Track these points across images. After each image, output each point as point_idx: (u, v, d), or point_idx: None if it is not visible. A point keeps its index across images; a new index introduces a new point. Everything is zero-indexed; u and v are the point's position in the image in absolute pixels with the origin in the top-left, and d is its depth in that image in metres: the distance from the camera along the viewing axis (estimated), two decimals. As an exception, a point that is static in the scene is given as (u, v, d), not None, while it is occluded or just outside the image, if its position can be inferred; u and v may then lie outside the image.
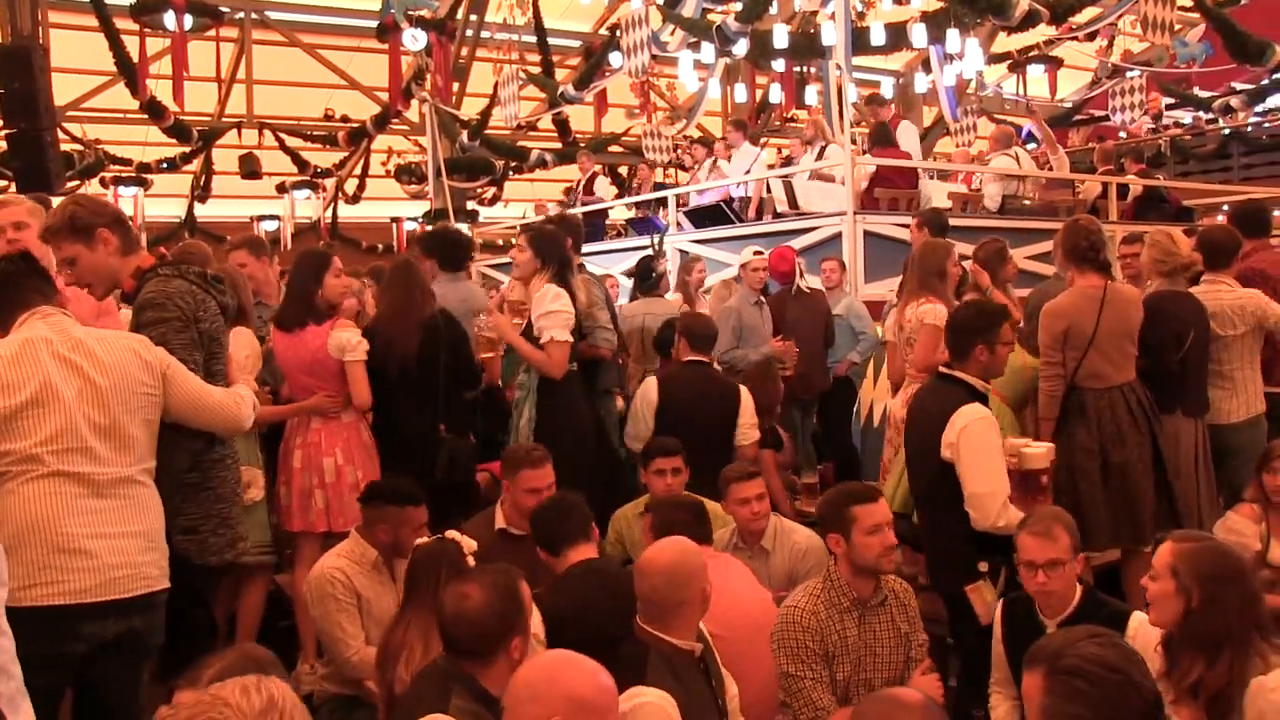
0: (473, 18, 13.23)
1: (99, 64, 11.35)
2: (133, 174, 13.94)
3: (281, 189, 15.46)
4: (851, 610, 2.90)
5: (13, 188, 8.66)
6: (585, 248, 5.57)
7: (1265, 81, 11.40)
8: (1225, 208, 8.97)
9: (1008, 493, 3.17)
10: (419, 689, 2.30)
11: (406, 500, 3.31)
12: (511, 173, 14.25)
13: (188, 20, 9.85)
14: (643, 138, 12.28)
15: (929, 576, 3.62)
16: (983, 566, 3.19)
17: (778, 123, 14.43)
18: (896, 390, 4.62)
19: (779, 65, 11.55)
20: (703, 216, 8.38)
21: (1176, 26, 8.80)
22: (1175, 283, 4.23)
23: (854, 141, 7.58)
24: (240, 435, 3.48)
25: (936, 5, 8.69)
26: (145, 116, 11.80)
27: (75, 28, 11.68)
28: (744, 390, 4.55)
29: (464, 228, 12.44)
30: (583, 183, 10.97)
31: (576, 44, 14.41)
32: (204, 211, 15.83)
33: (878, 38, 8.65)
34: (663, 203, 9.41)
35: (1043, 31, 10.17)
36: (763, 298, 5.90)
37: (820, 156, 8.17)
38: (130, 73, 10.70)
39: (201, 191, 15.08)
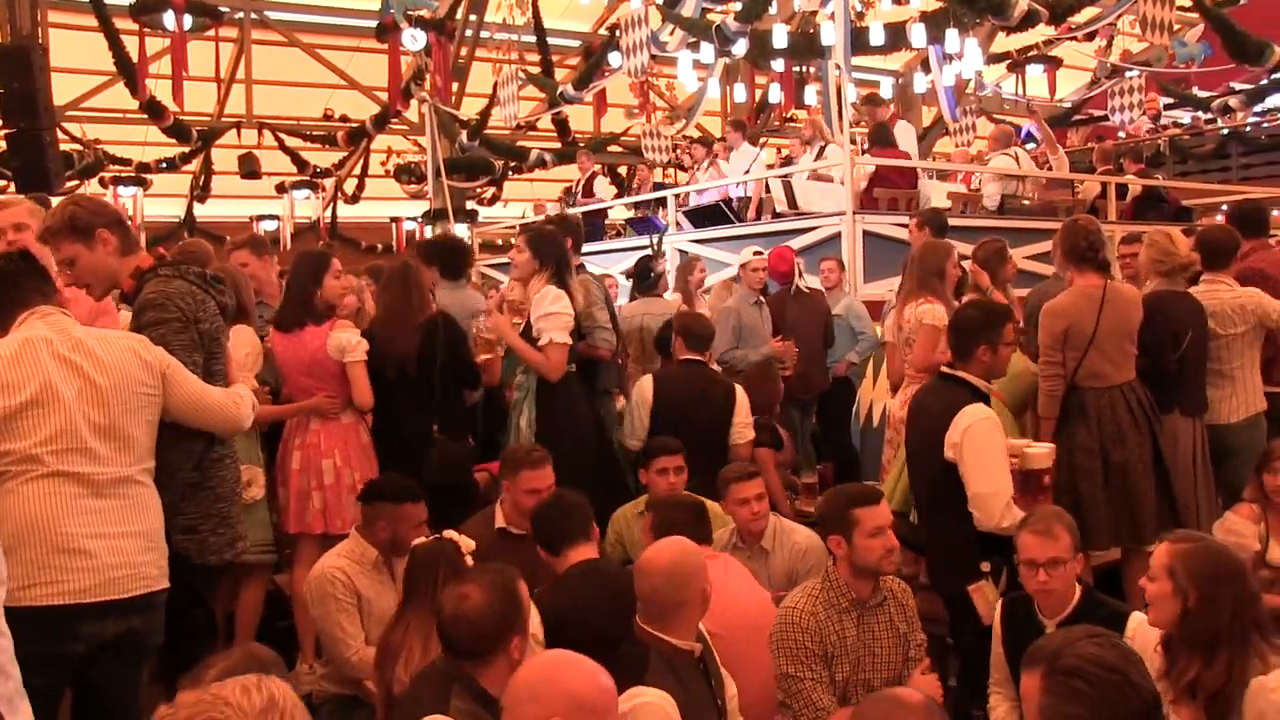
0: (472, 18, 13.23)
1: (98, 64, 11.34)
2: (132, 174, 13.94)
3: (281, 189, 15.46)
4: (850, 611, 2.90)
5: (12, 187, 8.67)
6: (585, 248, 5.57)
7: (1264, 81, 11.40)
8: (1224, 208, 8.98)
9: (1011, 493, 3.17)
10: (418, 690, 2.30)
11: (405, 497, 3.31)
12: (511, 173, 14.25)
13: (187, 20, 9.84)
14: (642, 138, 12.28)
15: (930, 577, 3.62)
16: (985, 567, 3.19)
17: (777, 123, 14.43)
18: (895, 390, 4.62)
19: (778, 65, 11.55)
20: (702, 216, 8.38)
21: (1175, 26, 8.80)
22: (1174, 283, 4.23)
23: (853, 142, 7.59)
24: (241, 434, 3.50)
25: (936, 5, 8.69)
26: (145, 116, 11.79)
27: (75, 27, 11.67)
28: (739, 389, 4.56)
29: (463, 228, 12.48)
30: (582, 182, 10.97)
31: (576, 44, 14.41)
32: (203, 211, 15.83)
33: (877, 38, 8.65)
34: (662, 203, 9.41)
35: (1042, 31, 10.17)
36: (762, 298, 5.90)
37: (819, 156, 8.18)
38: (130, 72, 10.69)
39: (201, 191, 15.08)
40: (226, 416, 2.75)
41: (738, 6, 8.83)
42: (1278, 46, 9.22)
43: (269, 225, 15.95)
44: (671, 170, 13.33)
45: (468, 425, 4.40)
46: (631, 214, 10.38)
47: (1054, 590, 2.74)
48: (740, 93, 13.26)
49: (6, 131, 7.57)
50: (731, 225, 7.98)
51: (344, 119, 14.24)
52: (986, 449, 3.16)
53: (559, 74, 13.18)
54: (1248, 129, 12.98)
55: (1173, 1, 7.85)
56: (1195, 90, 13.43)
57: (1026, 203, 8.36)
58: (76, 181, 12.43)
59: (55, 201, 3.25)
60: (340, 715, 3.34)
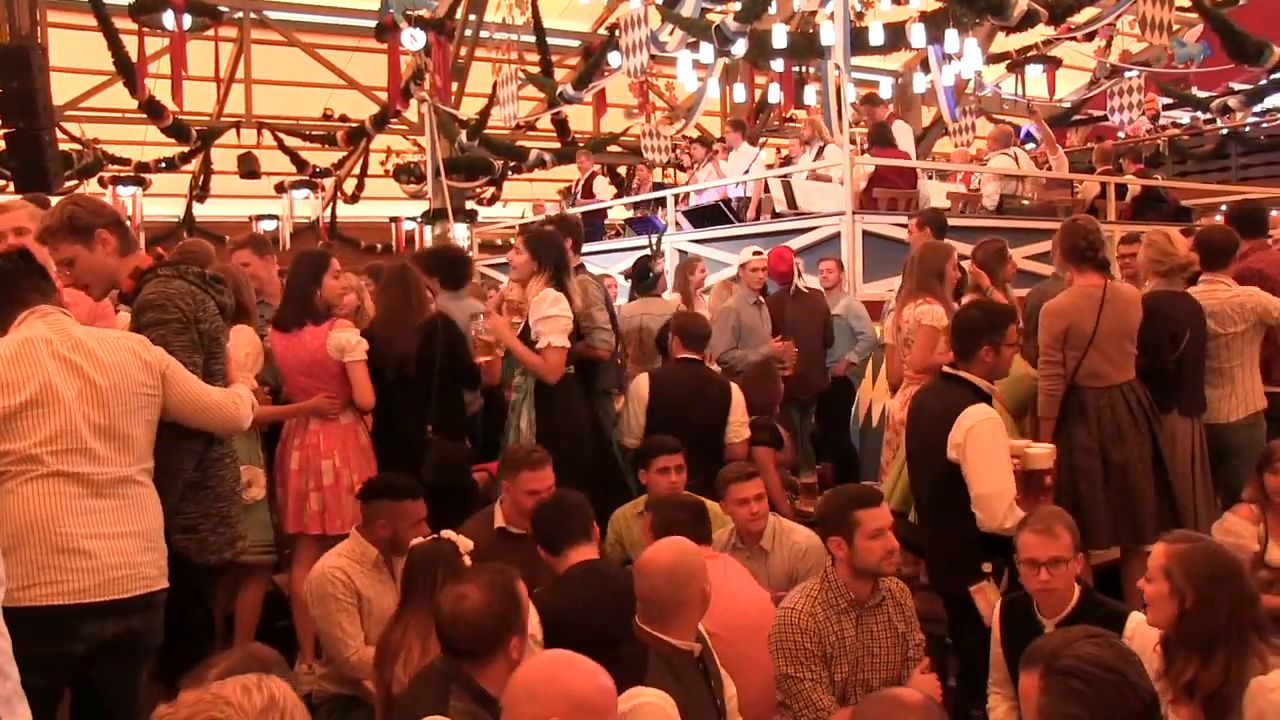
0: (471, 17, 13.23)
1: (97, 63, 11.34)
2: (131, 174, 13.94)
3: (280, 189, 15.46)
4: (849, 611, 2.90)
5: (11, 187, 8.66)
6: (584, 248, 5.56)
7: (1263, 82, 11.40)
8: (1223, 208, 8.98)
9: (1014, 494, 3.17)
10: (417, 690, 2.30)
11: (404, 494, 3.32)
12: (510, 172, 14.25)
13: (186, 20, 9.84)
14: (641, 138, 12.28)
15: (930, 577, 3.61)
16: (986, 567, 3.18)
17: (776, 123, 14.43)
18: (895, 391, 4.63)
19: (778, 65, 11.55)
20: (701, 216, 8.38)
21: (1174, 27, 8.81)
22: (1172, 283, 4.24)
23: (853, 142, 7.59)
24: (241, 434, 3.49)
25: (935, 5, 8.70)
26: (144, 116, 11.79)
27: (74, 27, 11.67)
28: (735, 388, 4.57)
29: (463, 228, 12.48)
30: (581, 182, 10.97)
31: (575, 44, 14.41)
32: (202, 211, 15.83)
33: (876, 38, 8.66)
34: (661, 203, 9.41)
35: (1041, 31, 10.17)
36: (761, 298, 5.91)
37: (818, 156, 8.18)
38: (129, 72, 10.69)
39: (200, 191, 15.08)
40: (226, 416, 2.75)
41: (737, 6, 8.83)
42: (1277, 47, 9.22)
43: (268, 225, 15.95)
44: (671, 170, 13.33)
45: (464, 426, 4.40)
46: (631, 214, 10.39)
47: (1055, 590, 2.74)
48: (740, 93, 13.26)
49: (5, 131, 7.56)
50: (731, 225, 7.98)
51: (343, 119, 14.24)
52: (990, 449, 3.16)
53: (558, 74, 13.18)
54: (1247, 129, 12.99)
55: (1172, 2, 7.85)
56: (1194, 90, 13.44)
57: (1026, 203, 8.37)
58: (76, 181, 12.43)
59: (54, 201, 3.25)
60: (339, 715, 3.34)
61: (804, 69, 12.18)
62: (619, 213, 11.03)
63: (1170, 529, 2.89)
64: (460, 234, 12.50)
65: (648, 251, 6.36)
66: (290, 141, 14.34)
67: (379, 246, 18.12)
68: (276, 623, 4.00)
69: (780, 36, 9.00)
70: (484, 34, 13.28)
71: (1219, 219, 7.74)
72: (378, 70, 12.43)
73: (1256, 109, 12.60)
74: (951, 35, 8.61)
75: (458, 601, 2.24)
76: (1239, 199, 8.32)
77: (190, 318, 2.75)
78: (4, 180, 9.88)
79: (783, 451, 5.30)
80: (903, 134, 8.30)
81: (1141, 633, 2.54)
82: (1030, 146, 9.47)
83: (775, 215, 7.94)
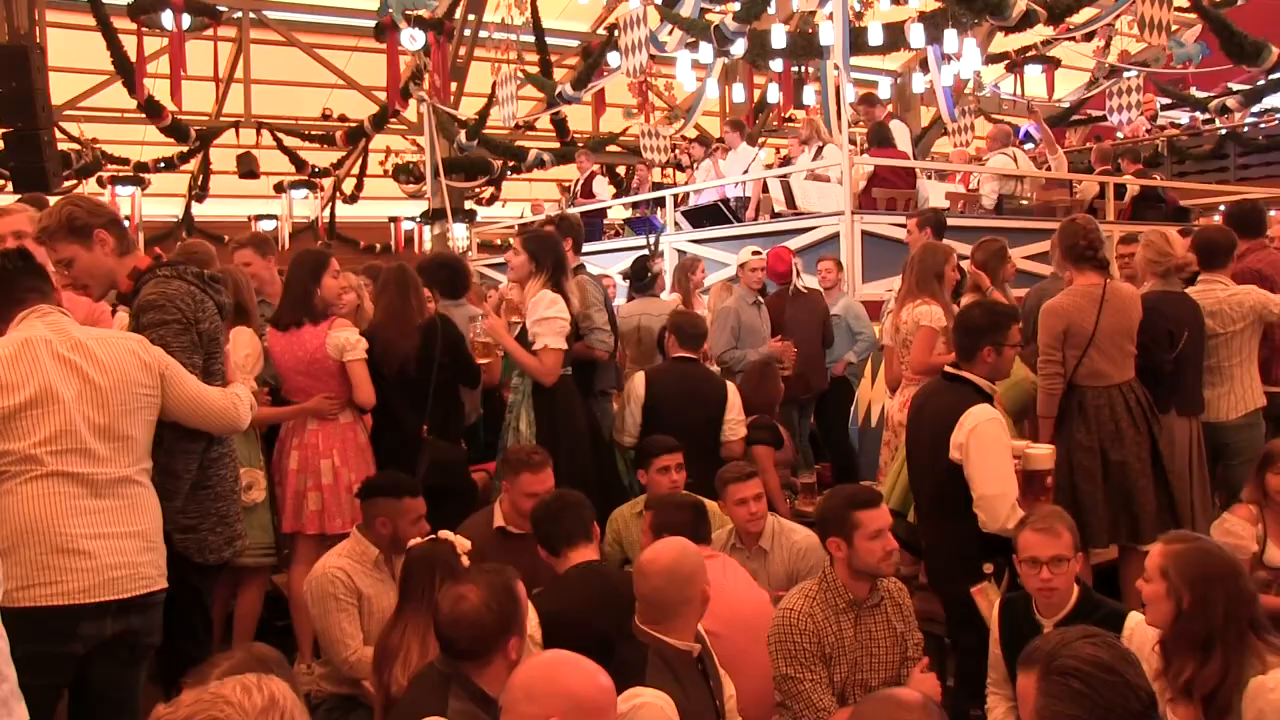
0: (471, 17, 13.22)
1: (96, 63, 11.33)
2: (130, 173, 13.94)
3: (279, 188, 15.45)
4: (847, 611, 2.90)
5: (9, 187, 8.66)
6: (583, 247, 5.56)
7: (1261, 82, 11.41)
8: (1222, 208, 8.99)
9: (1017, 494, 3.17)
10: (416, 691, 2.30)
11: (403, 492, 3.33)
12: (509, 172, 14.25)
13: (185, 19, 9.83)
14: (640, 138, 12.28)
15: (929, 577, 3.62)
16: (988, 568, 3.18)
17: (775, 123, 14.43)
18: (893, 392, 4.63)
19: (777, 65, 11.55)
20: (700, 216, 8.38)
21: (1173, 27, 8.81)
22: (1170, 283, 4.24)
23: (852, 142, 7.59)
24: (242, 437, 3.50)
25: (934, 5, 8.70)
26: (143, 116, 11.79)
27: (72, 27, 11.66)
28: (731, 386, 4.57)
29: (462, 227, 12.47)
30: (580, 182, 10.97)
31: (574, 44, 14.41)
32: (202, 211, 15.83)
33: (875, 38, 8.66)
34: (660, 202, 9.41)
35: (1040, 32, 10.18)
36: (760, 298, 5.91)
37: (817, 156, 8.18)
38: (128, 72, 10.68)
39: (199, 191, 15.08)
40: (225, 417, 2.75)
41: (736, 6, 8.83)
42: (1275, 47, 9.23)
43: (267, 225, 15.95)
44: (670, 170, 13.33)
45: (461, 428, 4.41)
46: (629, 214, 10.38)
47: (1057, 588, 2.74)
48: (739, 93, 13.26)
49: (4, 131, 7.54)
50: (730, 225, 7.98)
51: (342, 118, 14.24)
52: (993, 450, 3.15)
53: (557, 74, 13.18)
54: (1245, 129, 13.00)
55: (1170, 2, 7.86)
56: (1193, 91, 13.46)
57: (1025, 203, 8.37)
58: (74, 181, 12.42)
59: (53, 201, 3.25)
60: (338, 715, 3.34)
61: (803, 69, 12.18)
62: (618, 212, 11.03)
63: (1169, 529, 2.89)
64: (459, 234, 12.51)
65: (646, 252, 6.36)
66: (289, 141, 14.33)
67: (378, 246, 18.12)
68: (275, 622, 4.00)
69: (779, 36, 9.00)
70: (483, 34, 13.27)
71: (1217, 219, 7.75)
72: (377, 70, 12.43)
73: (1255, 109, 12.62)
74: (950, 35, 8.62)
75: (456, 602, 2.24)
76: (1237, 199, 8.32)
77: (190, 318, 2.75)
78: (2, 180, 9.87)
79: (783, 451, 5.31)
80: (899, 133, 8.31)
81: (1140, 632, 2.54)
82: (1029, 146, 9.48)
83: (774, 215, 7.94)
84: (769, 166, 9.79)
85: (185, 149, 13.36)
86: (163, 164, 13.91)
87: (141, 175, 13.95)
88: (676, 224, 8.62)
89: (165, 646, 2.60)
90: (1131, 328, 3.93)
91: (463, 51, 13.56)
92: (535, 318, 4.07)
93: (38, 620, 2.26)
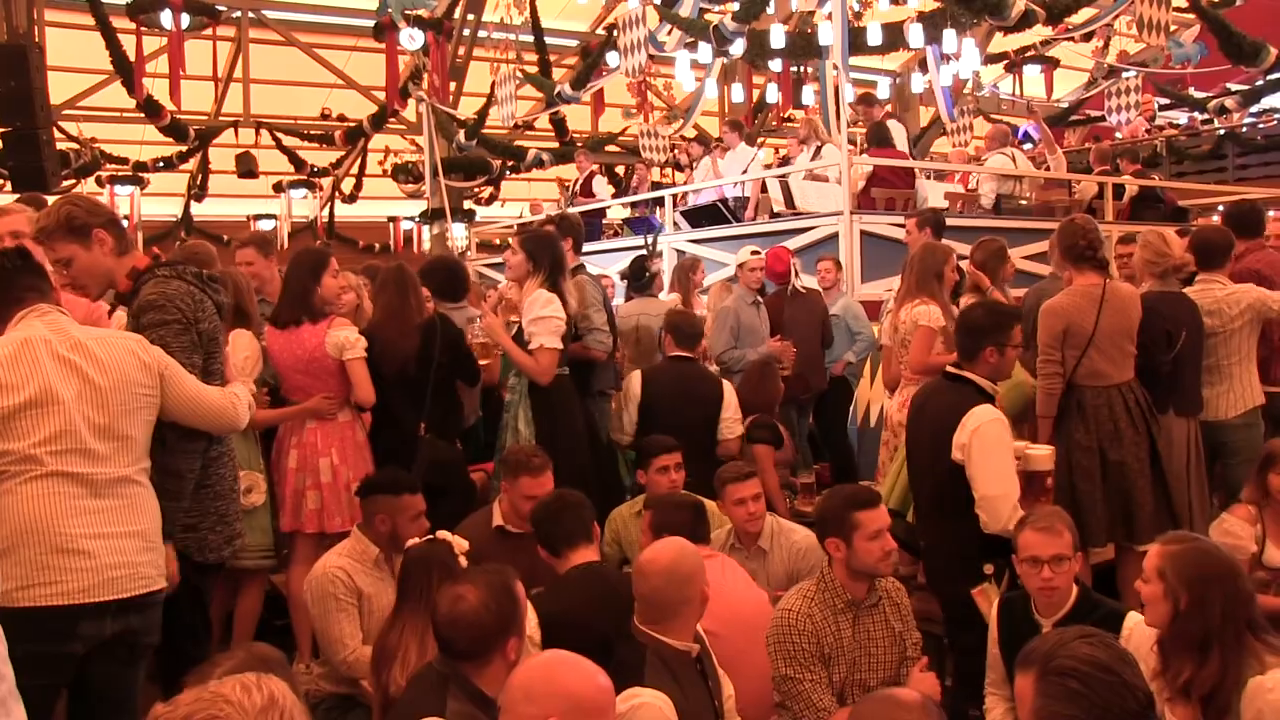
0: (470, 17, 13.22)
1: (95, 62, 11.33)
2: (129, 173, 13.93)
3: (278, 188, 15.45)
4: (845, 611, 2.91)
5: (8, 186, 8.65)
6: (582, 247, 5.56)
7: (1260, 82, 11.42)
8: (1220, 208, 9.00)
9: (1019, 495, 3.17)
10: (414, 692, 2.30)
11: (403, 488, 3.33)
12: (508, 172, 14.25)
13: (184, 19, 9.83)
14: (639, 138, 12.28)
15: (928, 578, 3.61)
16: (989, 569, 3.18)
17: (774, 123, 14.43)
18: (892, 392, 4.63)
19: (776, 65, 11.55)
20: (699, 216, 8.38)
21: (1172, 27, 8.82)
22: (1168, 284, 4.24)
23: (851, 142, 7.59)
24: (241, 440, 3.50)
25: (933, 5, 8.71)
26: (142, 115, 11.78)
27: (71, 26, 11.66)
28: (727, 385, 4.58)
29: (461, 227, 12.47)
30: (580, 181, 10.97)
31: (574, 43, 14.41)
32: (200, 211, 15.83)
33: (874, 38, 8.67)
34: (659, 202, 9.41)
35: (1039, 32, 10.18)
36: (760, 298, 5.91)
37: (816, 156, 8.18)
38: (127, 71, 10.68)
39: (198, 191, 15.07)
40: (224, 416, 2.75)
41: (735, 6, 8.83)
42: (1273, 48, 9.23)
43: (266, 225, 15.95)
44: (669, 170, 13.33)
45: (459, 428, 4.41)
46: (628, 214, 10.38)
47: (1057, 588, 2.74)
48: (738, 93, 13.27)
49: (3, 131, 7.54)
50: (729, 225, 7.98)
51: (341, 118, 14.23)
52: (996, 451, 3.15)
53: (557, 73, 13.17)
54: (1244, 130, 13.01)
55: (1169, 2, 7.86)
56: (1192, 91, 13.46)
57: (1023, 203, 8.38)
58: (73, 181, 12.42)
59: (51, 201, 3.25)
60: (337, 715, 3.34)
61: (802, 69, 12.19)
62: (617, 212, 11.03)
63: (1166, 529, 2.89)
64: (458, 234, 12.51)
65: (644, 251, 6.36)
66: (288, 141, 14.33)
67: (377, 246, 18.12)
68: (275, 622, 4.00)
69: (778, 36, 9.00)
70: (482, 33, 13.27)
71: (1216, 219, 7.75)
72: (376, 70, 12.43)
73: (1253, 109, 12.62)
74: (949, 35, 8.62)
75: (455, 602, 2.24)
76: (1235, 199, 8.32)
77: (190, 318, 2.75)
78: (1, 180, 9.86)
79: (783, 451, 5.31)
80: (895, 133, 8.31)
81: (1139, 632, 2.54)
82: (1028, 147, 9.48)
83: (773, 215, 7.95)
84: (768, 166, 9.78)
85: (184, 148, 13.36)
86: (161, 163, 13.91)
87: (140, 175, 13.95)
88: (675, 224, 8.62)
89: (164, 646, 2.60)
90: (1131, 328, 3.93)
91: (462, 51, 13.55)
92: (530, 317, 4.07)
93: (37, 620, 2.26)
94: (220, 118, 14.03)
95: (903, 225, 6.25)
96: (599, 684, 1.88)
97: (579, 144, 13.22)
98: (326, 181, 15.70)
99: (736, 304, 5.77)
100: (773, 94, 12.66)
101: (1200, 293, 4.23)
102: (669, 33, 9.27)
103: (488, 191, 15.10)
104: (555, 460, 3.59)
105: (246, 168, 13.90)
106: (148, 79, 11.01)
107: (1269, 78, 10.85)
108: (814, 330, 5.95)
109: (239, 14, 13.29)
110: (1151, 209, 8.77)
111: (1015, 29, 8.30)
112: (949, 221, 6.02)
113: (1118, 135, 12.40)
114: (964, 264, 4.80)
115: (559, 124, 13.81)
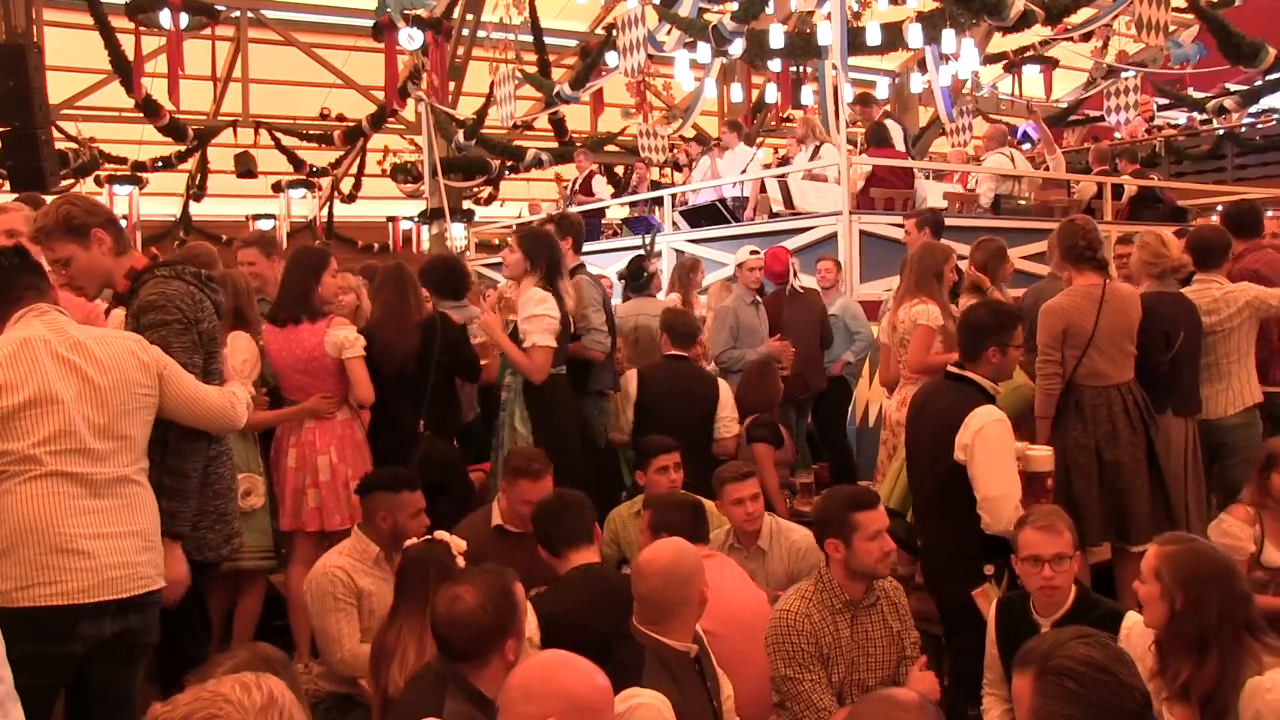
0: (469, 17, 13.21)
1: (94, 62, 11.33)
2: (128, 173, 13.93)
3: (277, 188, 15.45)
4: (844, 611, 2.91)
5: (6, 186, 8.65)
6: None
7: (1259, 82, 11.43)
8: (1219, 208, 9.00)
9: (1020, 496, 3.17)
10: (413, 692, 2.31)
11: (402, 486, 3.34)
12: (507, 172, 14.25)
13: (183, 18, 9.83)
14: (639, 137, 12.29)
15: (927, 578, 3.61)
16: (989, 570, 3.18)
17: (773, 123, 14.43)
18: (891, 391, 4.63)
19: (775, 65, 11.55)
20: (698, 216, 8.38)
21: (1171, 28, 8.82)
22: (1166, 284, 4.25)
23: (851, 142, 7.59)
24: (240, 441, 3.50)
25: (932, 5, 8.71)
26: (140, 115, 11.78)
27: (70, 25, 11.65)
28: (723, 384, 4.59)
29: (460, 227, 12.46)
30: (579, 181, 10.97)
31: (573, 43, 14.41)
32: (199, 210, 15.84)
33: (873, 38, 8.67)
34: (658, 202, 9.40)
35: (1038, 32, 10.19)
36: (759, 298, 5.91)
37: (815, 156, 8.18)
38: (125, 71, 10.68)
39: (197, 190, 15.07)
40: (223, 416, 2.75)
41: (734, 6, 8.83)
42: (1272, 48, 9.24)
43: (265, 224, 15.94)
44: (668, 169, 13.34)
45: (457, 427, 4.40)
46: (627, 213, 10.38)
47: (1058, 587, 2.74)
48: (737, 93, 13.27)
49: (1, 130, 7.54)
50: (728, 225, 7.98)
51: (340, 118, 14.24)
52: (998, 452, 3.15)
53: (556, 73, 13.17)
54: (1243, 130, 13.01)
55: (1168, 3, 7.86)
56: (1191, 91, 13.46)
57: (1022, 202, 8.38)
58: (72, 180, 12.41)
59: (49, 201, 3.24)
60: (335, 714, 3.34)
61: (801, 69, 12.19)
62: (616, 212, 11.03)
63: (1163, 529, 2.89)
64: (457, 233, 12.50)
65: (642, 251, 6.36)
66: (287, 141, 14.33)
67: (376, 246, 18.11)
68: (275, 622, 4.00)
69: (777, 36, 9.00)
70: (481, 33, 13.27)
71: (1215, 219, 7.75)
72: (375, 69, 12.43)
73: (1252, 109, 12.62)
74: (949, 35, 8.62)
75: (453, 603, 2.24)
76: (1234, 199, 8.33)
77: (190, 318, 2.75)
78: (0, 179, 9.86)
79: (782, 451, 5.32)
80: (895, 133, 8.31)
81: (1138, 633, 2.54)
82: (1027, 147, 9.48)
83: (772, 215, 7.94)
84: (767, 166, 9.79)
85: (183, 148, 13.36)
86: (160, 163, 13.91)
87: (139, 174, 13.95)
88: (674, 224, 8.62)
89: (164, 646, 2.60)
90: (1131, 328, 3.93)
91: (461, 51, 13.54)
92: (524, 315, 4.08)
93: (37, 620, 2.26)
94: (219, 117, 14.03)
95: (901, 225, 6.25)
96: (597, 684, 1.88)
97: (578, 144, 13.22)
98: (325, 181, 15.71)
99: (735, 304, 5.77)
100: (772, 94, 12.67)
101: (1198, 293, 4.23)
102: (668, 32, 9.27)
103: (487, 191, 15.10)
104: (552, 459, 3.59)
105: (245, 167, 13.90)
106: (146, 79, 11.01)
107: (1268, 78, 10.85)
108: (813, 330, 5.95)
109: (238, 14, 13.28)
110: (1150, 209, 8.77)
111: (1014, 29, 8.30)
112: (948, 221, 6.02)
113: (1117, 135, 12.40)
114: (963, 264, 4.80)
115: (558, 124, 13.82)
